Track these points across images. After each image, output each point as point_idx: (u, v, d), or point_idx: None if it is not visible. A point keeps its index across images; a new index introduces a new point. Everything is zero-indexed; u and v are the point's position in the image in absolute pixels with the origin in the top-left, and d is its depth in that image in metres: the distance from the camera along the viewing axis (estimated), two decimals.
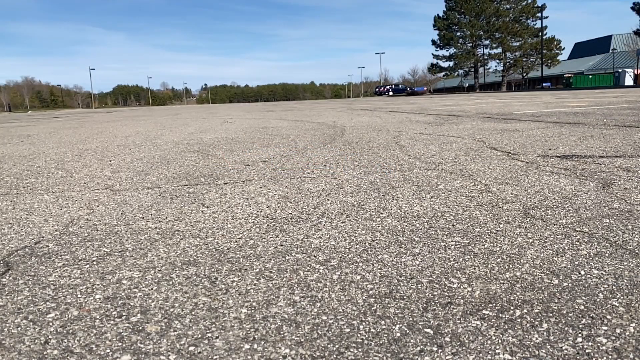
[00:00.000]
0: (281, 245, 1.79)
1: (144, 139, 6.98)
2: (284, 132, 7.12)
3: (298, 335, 1.13)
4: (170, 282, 1.47)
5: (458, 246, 1.71)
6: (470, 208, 2.23)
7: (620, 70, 44.01)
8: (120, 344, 1.12)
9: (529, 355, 1.02)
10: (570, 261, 1.53)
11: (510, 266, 1.51)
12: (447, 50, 67.09)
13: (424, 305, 1.26)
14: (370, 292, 1.35)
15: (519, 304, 1.25)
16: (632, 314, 1.17)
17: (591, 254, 1.59)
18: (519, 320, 1.17)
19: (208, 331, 1.16)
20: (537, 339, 1.08)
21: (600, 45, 72.60)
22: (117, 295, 1.39)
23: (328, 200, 2.52)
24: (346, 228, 1.99)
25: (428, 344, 1.07)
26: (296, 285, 1.42)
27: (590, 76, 49.66)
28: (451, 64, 67.40)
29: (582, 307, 1.22)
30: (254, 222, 2.13)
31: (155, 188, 3.02)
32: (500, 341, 1.07)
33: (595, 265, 1.49)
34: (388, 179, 3.03)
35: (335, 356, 1.04)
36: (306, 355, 1.05)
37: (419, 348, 1.06)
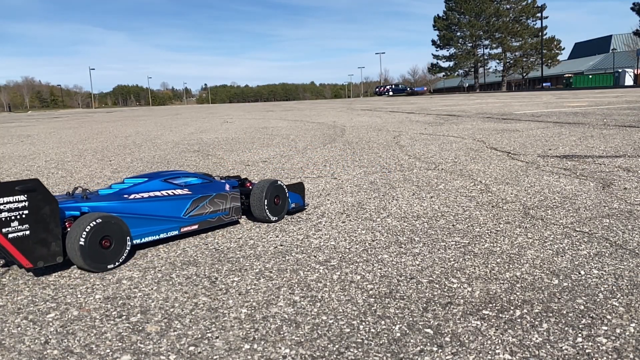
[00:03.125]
0: (281, 245, 1.79)
1: (144, 139, 6.98)
2: (284, 132, 7.12)
3: (298, 335, 1.13)
4: (170, 282, 1.47)
5: (458, 246, 1.71)
6: (470, 208, 2.23)
7: (620, 70, 44.00)
8: (120, 344, 1.12)
9: (529, 355, 1.02)
10: (570, 261, 1.53)
11: (510, 266, 1.51)
12: (447, 50, 67.07)
13: (424, 305, 1.26)
14: (370, 292, 1.35)
15: (519, 304, 1.25)
16: (632, 314, 1.17)
17: (591, 254, 1.59)
18: (519, 320, 1.17)
19: (208, 331, 1.16)
20: (537, 339, 1.08)
21: (600, 45, 72.54)
22: (117, 295, 1.40)
23: (328, 200, 2.52)
24: (346, 228, 1.99)
25: (428, 344, 1.07)
26: (296, 285, 1.42)
27: (590, 76, 49.62)
28: (451, 64, 67.35)
29: (582, 307, 1.22)
30: (254, 222, 2.13)
31: None
32: (500, 341, 1.07)
33: (595, 265, 1.49)
34: (388, 179, 3.03)
35: (335, 356, 1.04)
36: (306, 355, 1.05)
37: (419, 348, 1.06)
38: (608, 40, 71.84)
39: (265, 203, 2.03)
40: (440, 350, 1.05)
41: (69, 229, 1.56)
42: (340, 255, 1.66)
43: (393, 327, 1.15)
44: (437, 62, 68.98)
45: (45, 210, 1.50)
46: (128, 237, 1.64)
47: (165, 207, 1.82)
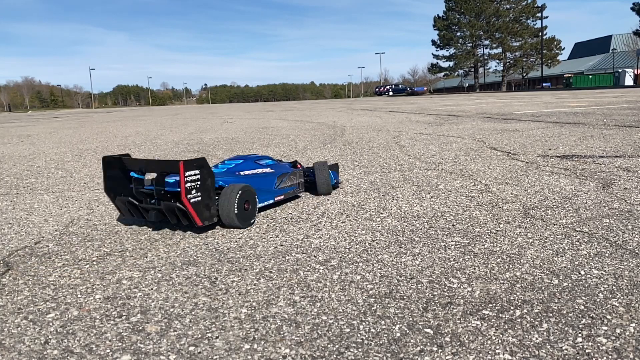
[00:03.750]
0: (281, 245, 1.80)
1: (144, 139, 6.98)
2: (284, 132, 7.12)
3: (298, 335, 1.13)
4: (170, 282, 1.47)
5: (458, 246, 1.71)
6: (470, 208, 2.23)
7: (620, 70, 43.95)
8: (120, 344, 1.12)
9: (529, 355, 1.02)
10: (570, 261, 1.53)
11: (510, 266, 1.51)
12: (447, 50, 67.01)
13: (424, 305, 1.26)
14: (370, 292, 1.35)
15: (519, 304, 1.25)
16: (632, 314, 1.17)
17: (591, 254, 1.59)
18: (519, 320, 1.17)
19: (208, 331, 1.16)
20: (537, 339, 1.08)
21: (600, 45, 72.49)
22: (117, 295, 1.39)
23: (328, 200, 2.52)
24: (346, 228, 1.99)
25: (428, 344, 1.07)
26: (296, 285, 1.42)
27: (590, 76, 49.57)
28: (451, 64, 67.29)
29: (582, 307, 1.22)
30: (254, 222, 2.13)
31: None
32: (500, 341, 1.07)
33: (595, 265, 1.49)
34: (388, 179, 3.03)
35: (335, 356, 1.04)
36: (306, 355, 1.05)
37: (419, 348, 1.06)
38: (608, 40, 71.80)
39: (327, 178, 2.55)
40: (440, 350, 1.05)
41: (217, 197, 1.96)
42: (340, 255, 1.66)
43: (393, 327, 1.15)
44: (437, 62, 68.94)
45: (209, 182, 1.91)
46: (257, 200, 2.09)
47: (264, 181, 2.26)
